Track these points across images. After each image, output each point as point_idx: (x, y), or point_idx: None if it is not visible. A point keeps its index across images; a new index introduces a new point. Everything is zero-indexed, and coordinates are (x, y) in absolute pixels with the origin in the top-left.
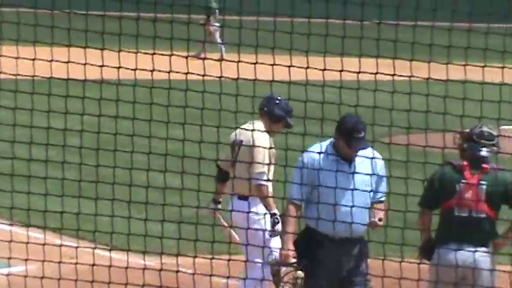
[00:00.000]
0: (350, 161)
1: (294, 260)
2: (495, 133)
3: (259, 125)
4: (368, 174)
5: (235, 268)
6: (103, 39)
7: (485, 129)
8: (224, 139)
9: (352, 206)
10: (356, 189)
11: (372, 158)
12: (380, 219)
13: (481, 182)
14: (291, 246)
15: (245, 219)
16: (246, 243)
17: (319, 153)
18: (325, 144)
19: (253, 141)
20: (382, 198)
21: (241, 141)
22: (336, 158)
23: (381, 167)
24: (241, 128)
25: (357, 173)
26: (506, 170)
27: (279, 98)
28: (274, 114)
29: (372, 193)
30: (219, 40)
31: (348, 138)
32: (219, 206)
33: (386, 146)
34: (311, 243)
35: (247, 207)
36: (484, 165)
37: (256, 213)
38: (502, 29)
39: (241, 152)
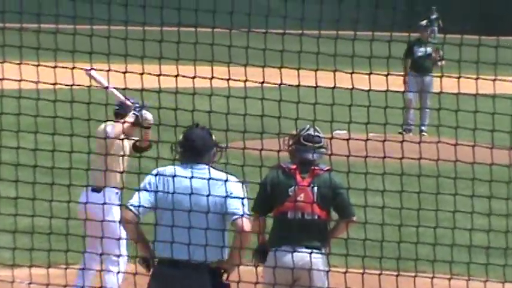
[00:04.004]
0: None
1: None
2: (322, 135)
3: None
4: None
5: (72, 277)
6: None
7: (311, 132)
8: (60, 147)
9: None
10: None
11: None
12: None
13: (312, 184)
14: None
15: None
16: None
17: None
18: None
19: None
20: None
21: None
22: None
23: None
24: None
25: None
26: (335, 172)
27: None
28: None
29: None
30: None
31: None
32: None
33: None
34: None
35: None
36: (313, 168)
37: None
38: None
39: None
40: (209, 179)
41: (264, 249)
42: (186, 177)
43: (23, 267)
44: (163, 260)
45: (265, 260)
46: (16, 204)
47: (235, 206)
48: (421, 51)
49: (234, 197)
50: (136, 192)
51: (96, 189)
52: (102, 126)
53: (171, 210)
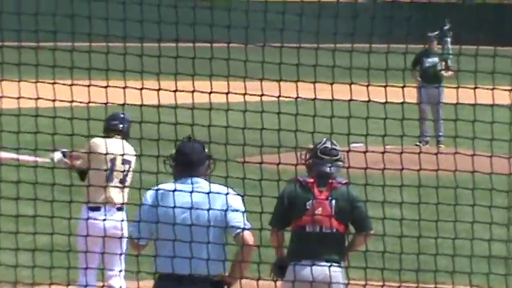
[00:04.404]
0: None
1: None
2: (339, 148)
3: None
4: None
5: None
6: None
7: (328, 145)
8: None
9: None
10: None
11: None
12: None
13: (330, 198)
14: None
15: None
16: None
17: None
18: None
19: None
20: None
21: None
22: None
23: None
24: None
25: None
26: (352, 184)
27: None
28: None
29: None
30: None
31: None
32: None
33: (240, 166)
34: None
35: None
36: (331, 181)
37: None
38: (348, 48)
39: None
40: (208, 192)
41: (282, 264)
42: (185, 192)
43: (42, 285)
44: (166, 275)
45: (284, 274)
46: (35, 223)
47: (237, 220)
48: (428, 61)
49: (234, 210)
50: (137, 222)
51: (121, 208)
52: (125, 143)
53: (172, 224)
